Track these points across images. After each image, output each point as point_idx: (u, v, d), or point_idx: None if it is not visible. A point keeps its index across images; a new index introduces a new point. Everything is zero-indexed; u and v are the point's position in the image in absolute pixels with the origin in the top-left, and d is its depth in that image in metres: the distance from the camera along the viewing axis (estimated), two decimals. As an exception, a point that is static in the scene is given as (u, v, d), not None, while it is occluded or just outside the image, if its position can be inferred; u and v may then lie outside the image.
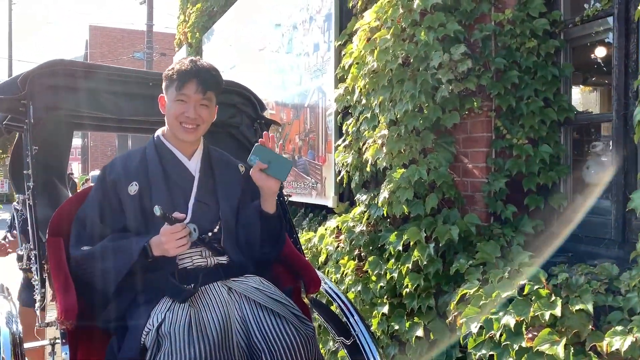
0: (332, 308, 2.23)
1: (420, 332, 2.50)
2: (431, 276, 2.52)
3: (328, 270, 3.28)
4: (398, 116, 2.69)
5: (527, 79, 2.54)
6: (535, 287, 1.96)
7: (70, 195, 2.31)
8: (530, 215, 2.58)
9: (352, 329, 2.05)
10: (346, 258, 3.10)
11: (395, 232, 2.73)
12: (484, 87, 2.53)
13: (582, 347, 1.74)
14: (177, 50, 8.18)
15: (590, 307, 1.79)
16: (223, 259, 1.81)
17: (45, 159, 2.20)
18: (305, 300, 2.11)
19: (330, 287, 2.27)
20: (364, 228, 3.02)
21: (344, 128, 3.32)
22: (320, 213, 3.93)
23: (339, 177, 3.36)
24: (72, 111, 2.21)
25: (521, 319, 1.93)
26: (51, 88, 2.08)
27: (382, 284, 2.76)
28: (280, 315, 1.65)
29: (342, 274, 3.08)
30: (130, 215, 1.74)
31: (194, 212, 1.80)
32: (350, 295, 2.96)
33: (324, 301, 2.34)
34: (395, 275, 2.66)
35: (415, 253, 2.56)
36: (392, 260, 2.72)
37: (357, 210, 3.14)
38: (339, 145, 3.35)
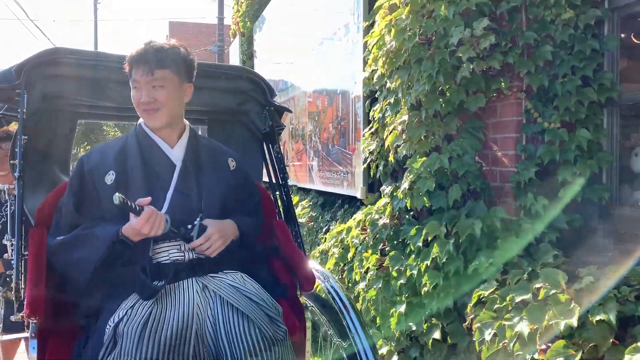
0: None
1: (437, 335, 2.29)
2: (451, 274, 2.30)
3: (354, 265, 3.12)
4: (418, 99, 2.48)
5: (562, 54, 2.25)
6: (553, 291, 1.71)
7: None
8: (566, 209, 2.28)
9: (349, 335, 1.90)
10: (369, 252, 2.93)
11: (417, 226, 2.53)
12: (512, 66, 2.27)
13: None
14: (232, 41, 8.23)
15: (612, 318, 1.53)
16: (201, 254, 1.70)
17: (47, 149, 2.19)
18: (302, 299, 1.98)
19: (332, 286, 2.12)
20: (387, 221, 2.83)
21: (371, 114, 3.13)
22: (354, 204, 3.77)
23: (366, 167, 3.18)
24: (74, 100, 2.18)
25: (535, 327, 1.69)
26: (50, 77, 2.04)
27: (402, 281, 2.57)
28: (249, 317, 1.52)
29: (365, 269, 2.91)
30: (106, 205, 1.67)
31: (172, 202, 1.70)
32: (372, 292, 2.79)
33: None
34: (415, 272, 2.46)
35: (435, 249, 2.36)
36: (413, 256, 2.53)
37: (382, 202, 2.95)
38: (366, 133, 3.16)
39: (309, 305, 2.01)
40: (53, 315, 1.62)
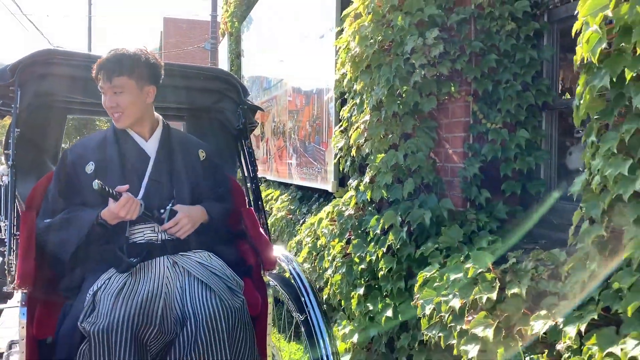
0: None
1: (389, 313, 2.53)
2: (403, 259, 2.55)
3: (324, 254, 3.35)
4: (379, 101, 2.72)
5: (505, 62, 2.50)
6: (480, 270, 1.96)
7: None
8: (509, 201, 2.54)
9: (305, 307, 2.14)
10: (336, 241, 3.17)
11: (376, 217, 2.77)
12: (461, 72, 2.51)
13: (512, 331, 1.74)
14: (221, 40, 8.44)
15: (523, 292, 1.77)
16: (172, 235, 1.93)
17: (38, 141, 2.41)
18: (265, 278, 2.21)
19: (294, 269, 2.36)
20: (352, 212, 3.07)
21: (341, 114, 3.37)
22: (328, 198, 4.00)
23: (336, 162, 3.42)
24: (63, 97, 2.40)
25: (464, 301, 1.94)
26: (42, 76, 2.26)
27: (362, 266, 2.81)
28: (212, 288, 1.76)
29: (332, 256, 3.15)
30: (87, 192, 1.90)
31: (147, 189, 1.94)
32: (337, 277, 3.03)
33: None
34: (374, 258, 2.70)
35: (390, 237, 2.60)
36: (372, 243, 2.77)
37: (348, 194, 3.19)
38: (336, 131, 3.40)
39: (272, 283, 2.25)
40: (41, 287, 1.85)
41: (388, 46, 2.65)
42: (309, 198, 4.53)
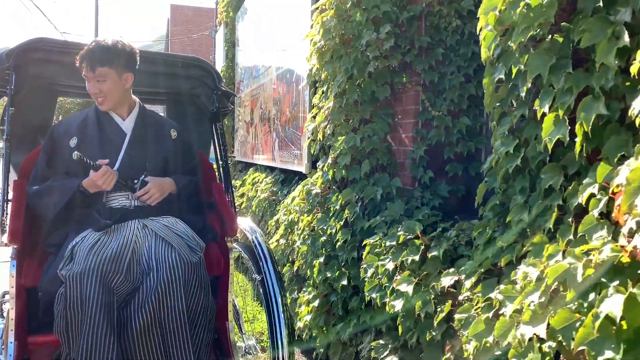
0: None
1: (344, 281, 2.84)
2: (357, 231, 2.84)
3: (295, 229, 3.66)
4: (341, 89, 3.00)
5: (451, 56, 2.77)
6: (409, 236, 2.25)
7: None
8: (452, 181, 2.83)
9: (262, 269, 2.44)
10: (305, 216, 3.46)
11: (337, 194, 3.06)
12: (411, 64, 2.79)
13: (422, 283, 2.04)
14: (218, 29, 8.70)
15: (441, 254, 2.07)
16: (144, 202, 2.23)
17: (30, 118, 2.71)
18: (230, 244, 2.51)
19: (256, 238, 2.67)
20: (319, 190, 3.36)
21: (313, 101, 3.65)
22: (304, 179, 4.29)
23: (308, 145, 3.70)
24: (53, 80, 2.70)
25: (396, 264, 2.24)
26: (33, 61, 2.56)
27: (324, 238, 3.11)
28: (173, 246, 2.06)
29: (301, 230, 3.45)
30: (70, 163, 2.19)
31: (123, 162, 2.24)
32: (303, 248, 3.34)
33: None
34: (333, 231, 3.00)
35: (347, 211, 2.90)
36: (333, 218, 3.06)
37: (316, 175, 3.49)
38: (309, 117, 3.68)
39: (236, 249, 2.55)
40: (29, 243, 2.16)
41: (348, 39, 2.93)
42: (290, 180, 4.83)
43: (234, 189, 2.80)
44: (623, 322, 1.05)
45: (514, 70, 1.69)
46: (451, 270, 1.96)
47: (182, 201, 2.35)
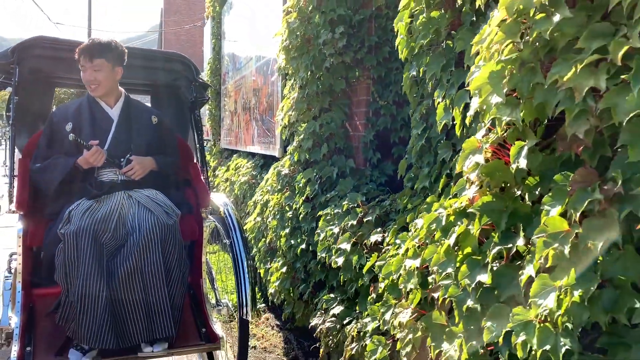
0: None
1: (304, 246, 3.28)
2: (316, 205, 3.29)
3: (268, 206, 4.10)
4: (303, 82, 3.43)
5: (396, 53, 3.19)
6: (352, 205, 2.70)
7: None
8: (397, 161, 3.26)
9: (230, 235, 2.89)
10: (276, 195, 3.91)
11: (301, 174, 3.51)
12: (362, 60, 3.22)
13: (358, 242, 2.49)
14: (205, 23, 9.08)
15: (372, 220, 2.52)
16: (129, 177, 2.66)
17: (32, 107, 3.13)
18: (204, 214, 2.94)
19: (227, 210, 3.10)
20: (287, 171, 3.80)
21: (284, 92, 4.08)
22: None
23: (280, 131, 4.14)
24: (51, 73, 3.12)
25: (340, 228, 2.69)
26: (34, 56, 2.98)
27: (290, 213, 3.56)
28: (152, 211, 2.50)
29: (272, 207, 3.89)
30: (67, 144, 2.62)
31: (111, 144, 2.66)
32: (273, 222, 3.78)
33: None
34: (297, 205, 3.45)
35: (308, 188, 3.34)
36: (298, 194, 3.51)
37: (285, 157, 3.93)
38: (280, 106, 4.11)
39: (209, 220, 2.98)
40: (33, 211, 2.59)
41: (309, 38, 3.36)
42: (268, 165, 5.25)
43: (208, 169, 3.22)
44: (460, 249, 1.50)
45: (421, 70, 2.13)
46: (379, 229, 2.41)
47: (163, 177, 2.78)
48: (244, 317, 2.70)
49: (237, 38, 6.64)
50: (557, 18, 1.16)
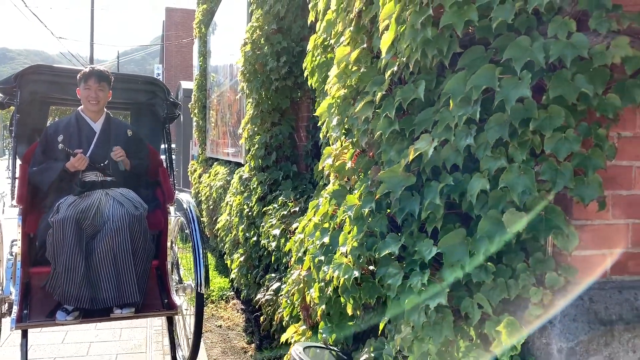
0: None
1: (255, 238, 3.96)
2: (266, 203, 3.97)
3: (231, 205, 4.78)
4: (256, 101, 4.13)
5: (331, 77, 3.89)
6: (285, 200, 3.38)
7: None
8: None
9: (190, 226, 3.57)
10: (238, 196, 4.59)
11: (256, 177, 4.19)
12: (303, 84, 3.91)
13: (286, 228, 3.17)
14: (194, 42, 9.82)
15: (297, 209, 3.19)
16: (108, 178, 3.35)
17: (31, 122, 3.82)
18: (170, 209, 3.62)
19: (189, 207, 3.78)
20: (247, 175, 4.49)
21: (246, 108, 4.78)
22: (247, 169, 5.41)
23: (243, 142, 4.83)
24: (46, 95, 3.82)
25: (276, 218, 3.36)
26: (33, 81, 3.68)
27: (247, 211, 4.24)
28: (123, 205, 3.18)
29: (235, 206, 4.57)
30: (58, 152, 3.30)
31: (93, 151, 3.35)
32: (235, 220, 4.46)
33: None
34: (252, 203, 4.13)
35: (259, 189, 4.02)
36: (252, 195, 4.19)
37: (247, 164, 4.61)
38: (243, 120, 4.81)
39: (175, 215, 3.66)
40: (30, 204, 3.28)
41: (260, 65, 4.06)
42: (238, 171, 5.95)
43: (175, 172, 3.91)
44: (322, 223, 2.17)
45: (322, 76, 2.81)
46: (302, 218, 3.08)
47: (134, 178, 3.47)
48: (200, 291, 3.36)
49: (218, 57, 7.36)
50: (361, 70, 1.85)
